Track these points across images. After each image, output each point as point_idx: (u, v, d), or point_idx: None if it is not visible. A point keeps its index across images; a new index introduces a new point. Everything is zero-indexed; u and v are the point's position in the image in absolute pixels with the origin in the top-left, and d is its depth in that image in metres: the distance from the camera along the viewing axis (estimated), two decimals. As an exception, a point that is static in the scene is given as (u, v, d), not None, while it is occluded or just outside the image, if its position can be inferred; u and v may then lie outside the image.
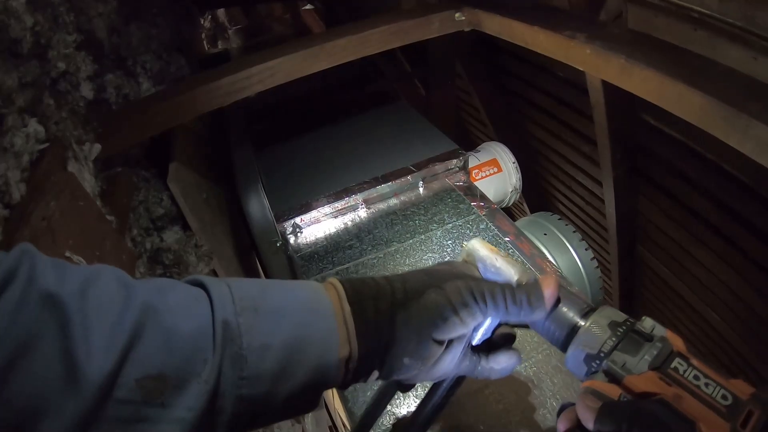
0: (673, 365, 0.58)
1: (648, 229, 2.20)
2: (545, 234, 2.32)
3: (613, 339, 0.62)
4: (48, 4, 1.25)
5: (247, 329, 0.55)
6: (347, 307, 0.62)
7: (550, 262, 1.40)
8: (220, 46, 4.58)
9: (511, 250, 1.42)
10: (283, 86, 1.71)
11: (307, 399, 0.61)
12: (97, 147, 1.27)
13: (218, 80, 1.59)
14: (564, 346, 0.67)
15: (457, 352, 0.67)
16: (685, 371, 0.58)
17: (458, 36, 1.92)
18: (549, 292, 0.66)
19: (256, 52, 1.73)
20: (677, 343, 0.61)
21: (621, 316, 0.65)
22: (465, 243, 0.77)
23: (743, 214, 1.66)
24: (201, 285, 0.58)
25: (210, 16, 4.69)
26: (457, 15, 1.82)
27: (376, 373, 0.64)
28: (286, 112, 2.30)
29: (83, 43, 1.39)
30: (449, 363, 0.67)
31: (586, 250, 2.28)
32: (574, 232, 2.32)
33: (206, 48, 4.28)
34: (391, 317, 0.63)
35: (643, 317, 0.65)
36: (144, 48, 1.98)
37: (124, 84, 1.64)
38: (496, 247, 0.75)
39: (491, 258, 0.73)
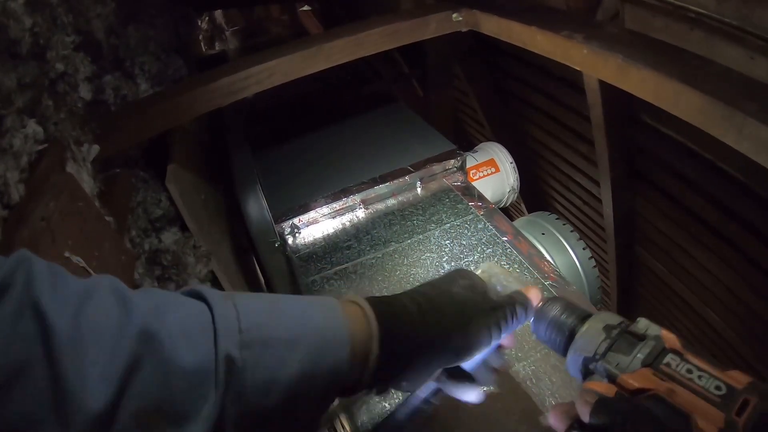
0: (665, 361, 0.59)
1: (646, 229, 2.20)
2: (543, 234, 2.32)
3: (607, 341, 0.64)
4: (46, 5, 1.25)
5: (253, 365, 0.52)
6: (375, 325, 0.62)
7: (548, 261, 1.40)
8: (217, 48, 4.58)
9: (509, 250, 1.43)
10: (280, 88, 1.71)
11: (311, 425, 0.60)
12: (96, 148, 1.27)
13: (217, 81, 1.59)
14: (564, 352, 0.70)
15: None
16: (677, 366, 0.58)
17: (456, 37, 1.92)
18: (535, 302, 0.74)
19: (254, 53, 1.73)
20: (671, 340, 0.61)
21: (616, 319, 0.67)
22: (482, 265, 0.83)
23: (741, 213, 1.66)
24: (203, 299, 0.55)
25: (207, 18, 4.69)
26: (454, 16, 1.82)
27: (373, 392, 0.65)
28: (283, 114, 2.30)
29: (82, 44, 1.39)
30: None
31: (584, 249, 2.28)
32: (572, 231, 2.32)
33: (204, 49, 4.28)
34: (413, 354, 0.64)
35: (638, 318, 0.66)
36: (142, 49, 1.99)
37: (122, 85, 1.64)
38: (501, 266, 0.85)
39: (504, 275, 0.80)
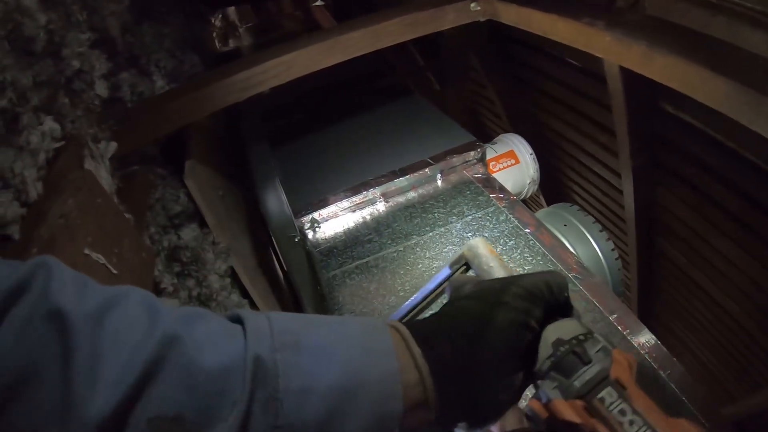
0: (601, 395, 0.54)
1: (667, 220, 2.17)
2: (565, 225, 2.29)
3: (552, 359, 0.58)
4: (60, 2, 1.25)
5: (285, 369, 0.47)
6: (415, 347, 0.54)
7: (571, 253, 1.38)
8: (231, 45, 4.58)
9: (531, 242, 1.40)
10: (296, 83, 1.70)
11: None
12: (114, 145, 1.26)
13: (234, 75, 1.58)
14: None
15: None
16: (611, 404, 0.53)
17: (472, 27, 1.90)
18: None
19: (268, 48, 1.72)
20: (620, 368, 0.55)
21: (571, 332, 0.60)
22: (470, 242, 0.80)
23: (764, 202, 1.63)
24: (238, 319, 0.51)
25: (221, 15, 4.70)
26: (472, 5, 1.80)
27: (462, 426, 0.56)
28: (301, 108, 2.29)
29: (97, 41, 1.38)
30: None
31: (606, 240, 2.25)
32: (594, 222, 2.29)
33: (218, 47, 4.28)
34: (471, 352, 0.55)
35: (594, 335, 0.60)
36: (157, 46, 1.98)
37: (138, 82, 1.63)
38: (495, 249, 0.80)
39: (487, 257, 0.77)
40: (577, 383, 0.56)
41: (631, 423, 0.51)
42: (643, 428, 0.50)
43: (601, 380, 0.55)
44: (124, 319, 0.46)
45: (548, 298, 0.60)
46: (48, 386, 0.41)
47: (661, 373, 1.03)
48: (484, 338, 0.56)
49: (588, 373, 0.56)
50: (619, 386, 0.54)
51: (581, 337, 0.59)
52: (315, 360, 0.49)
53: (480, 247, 0.79)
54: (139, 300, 0.48)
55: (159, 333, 0.45)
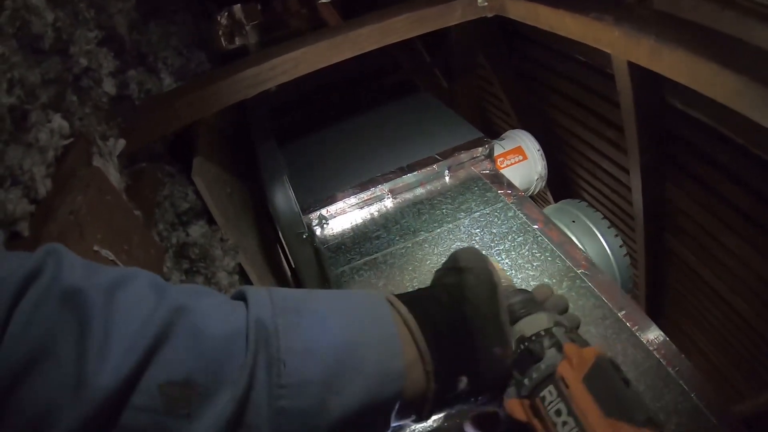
0: (542, 394, 0.54)
1: (676, 217, 2.16)
2: (573, 221, 2.28)
3: (513, 357, 0.59)
4: (68, 1, 1.25)
5: (285, 330, 0.49)
6: (404, 308, 0.57)
7: (579, 249, 1.37)
8: (237, 43, 4.58)
9: (540, 238, 1.40)
10: (304, 79, 1.69)
11: (370, 422, 0.53)
12: (122, 142, 1.26)
13: (242, 72, 1.58)
14: None
15: None
16: (550, 403, 0.53)
17: (480, 24, 1.90)
18: None
19: (275, 45, 1.72)
20: (567, 365, 0.54)
21: (536, 328, 0.60)
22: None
23: (774, 199, 1.62)
24: (242, 294, 0.53)
25: (227, 13, 4.70)
26: (480, 1, 1.80)
27: (464, 380, 0.56)
28: (308, 105, 2.29)
29: (104, 39, 1.39)
30: None
31: (615, 236, 2.24)
32: (602, 219, 2.28)
33: (224, 45, 4.28)
34: (458, 307, 0.59)
35: (552, 330, 0.59)
36: (164, 44, 1.99)
37: (146, 80, 1.64)
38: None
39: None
40: (527, 381, 0.56)
41: (564, 424, 0.51)
42: (575, 430, 0.50)
43: (546, 378, 0.55)
44: (134, 294, 0.48)
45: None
46: (62, 361, 0.42)
47: (670, 369, 1.03)
48: (463, 295, 0.59)
49: (536, 370, 0.56)
50: (563, 384, 0.53)
51: (542, 333, 0.59)
52: (315, 322, 0.51)
53: None
54: (147, 279, 0.50)
55: (167, 304, 0.47)
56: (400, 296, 0.60)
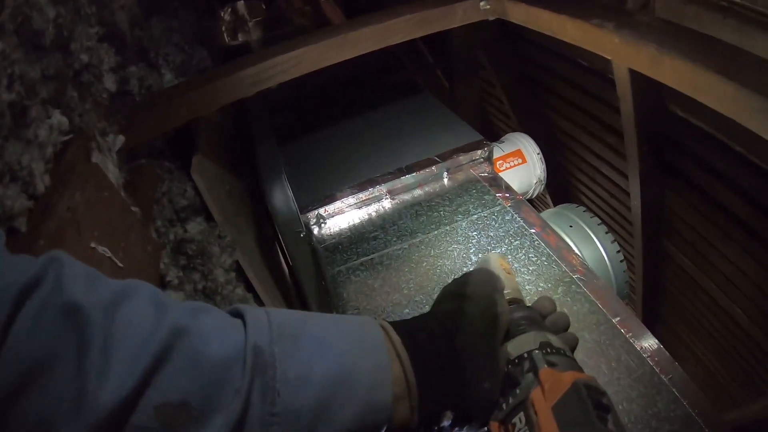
0: (513, 420, 0.54)
1: (673, 223, 2.16)
2: (571, 226, 2.28)
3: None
4: (70, -4, 1.25)
5: (282, 358, 0.50)
6: (397, 338, 0.58)
7: (576, 254, 1.38)
8: (240, 39, 4.58)
9: (536, 242, 1.40)
10: (304, 78, 1.70)
11: None
12: (121, 138, 1.26)
13: (242, 70, 1.58)
14: None
15: None
16: (518, 430, 0.53)
17: (482, 26, 1.90)
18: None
19: (277, 43, 1.72)
20: (538, 392, 0.54)
21: (521, 349, 0.61)
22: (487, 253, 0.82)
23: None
24: (239, 314, 0.54)
25: (230, 9, 4.69)
26: (482, 4, 1.79)
27: (449, 414, 0.58)
28: (308, 104, 2.28)
29: (106, 35, 1.39)
30: None
31: (612, 243, 2.25)
32: (600, 224, 2.29)
33: (227, 41, 4.27)
34: (449, 340, 0.59)
35: (533, 354, 0.59)
36: (166, 40, 1.99)
37: (147, 76, 1.64)
38: (508, 264, 0.81)
39: (498, 272, 0.76)
40: (504, 406, 0.57)
41: None
42: None
43: (519, 404, 0.55)
44: (133, 312, 0.48)
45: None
46: (62, 376, 0.43)
47: (663, 377, 1.03)
48: (458, 327, 0.60)
49: (514, 395, 0.57)
50: (533, 411, 0.53)
51: (525, 356, 0.60)
52: (311, 351, 0.52)
53: (491, 261, 0.80)
54: (148, 294, 0.51)
55: (167, 325, 0.48)
56: (394, 324, 0.61)
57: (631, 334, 1.12)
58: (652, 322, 2.65)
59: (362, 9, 4.01)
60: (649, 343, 1.09)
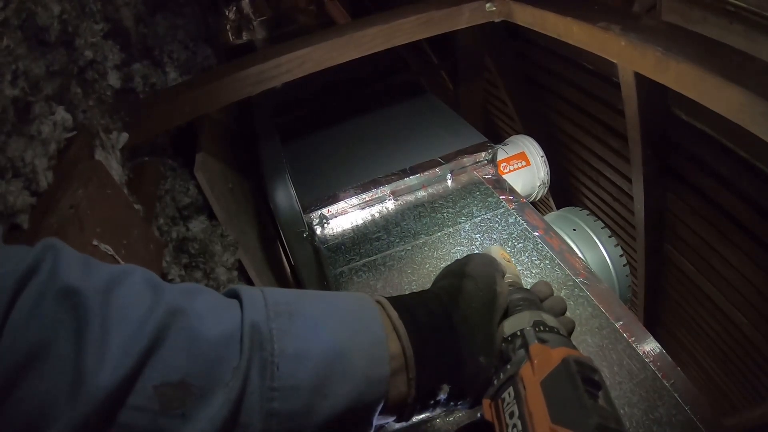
0: (503, 395, 0.54)
1: (676, 227, 2.16)
2: (574, 229, 2.28)
3: None
4: (75, -8, 1.25)
5: (279, 334, 0.51)
6: (394, 313, 0.58)
7: (579, 258, 1.37)
8: (245, 38, 4.58)
9: (540, 245, 1.40)
10: (308, 78, 1.69)
11: (354, 423, 0.54)
12: (125, 136, 1.26)
13: (247, 69, 1.58)
14: None
15: None
16: (507, 404, 0.53)
17: (487, 28, 1.89)
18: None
19: (281, 42, 1.72)
20: (528, 367, 0.54)
21: (514, 327, 0.61)
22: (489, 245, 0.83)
23: (775, 213, 1.62)
24: (234, 294, 0.55)
25: (235, 8, 4.70)
26: (488, 5, 1.79)
27: (445, 388, 0.58)
28: (312, 104, 2.28)
29: (110, 32, 1.39)
30: None
31: (615, 246, 2.24)
32: (603, 228, 2.28)
33: (231, 39, 4.28)
34: (446, 315, 0.60)
35: (524, 331, 0.60)
36: (170, 38, 1.98)
37: (151, 73, 1.63)
38: (508, 254, 0.82)
39: (503, 265, 0.76)
40: (495, 381, 0.57)
41: (513, 426, 0.51)
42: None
43: (509, 379, 0.56)
44: (130, 294, 0.48)
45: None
46: (60, 359, 0.43)
47: (665, 382, 1.03)
48: (456, 303, 0.61)
49: (505, 371, 0.57)
50: (521, 386, 0.53)
51: (518, 333, 0.60)
52: (308, 327, 0.53)
53: (492, 250, 0.80)
54: (143, 277, 0.51)
55: (163, 305, 0.48)
56: (391, 300, 0.62)
57: (633, 338, 1.11)
58: (653, 325, 2.65)
59: (368, 9, 4.02)
60: (651, 347, 1.09)
